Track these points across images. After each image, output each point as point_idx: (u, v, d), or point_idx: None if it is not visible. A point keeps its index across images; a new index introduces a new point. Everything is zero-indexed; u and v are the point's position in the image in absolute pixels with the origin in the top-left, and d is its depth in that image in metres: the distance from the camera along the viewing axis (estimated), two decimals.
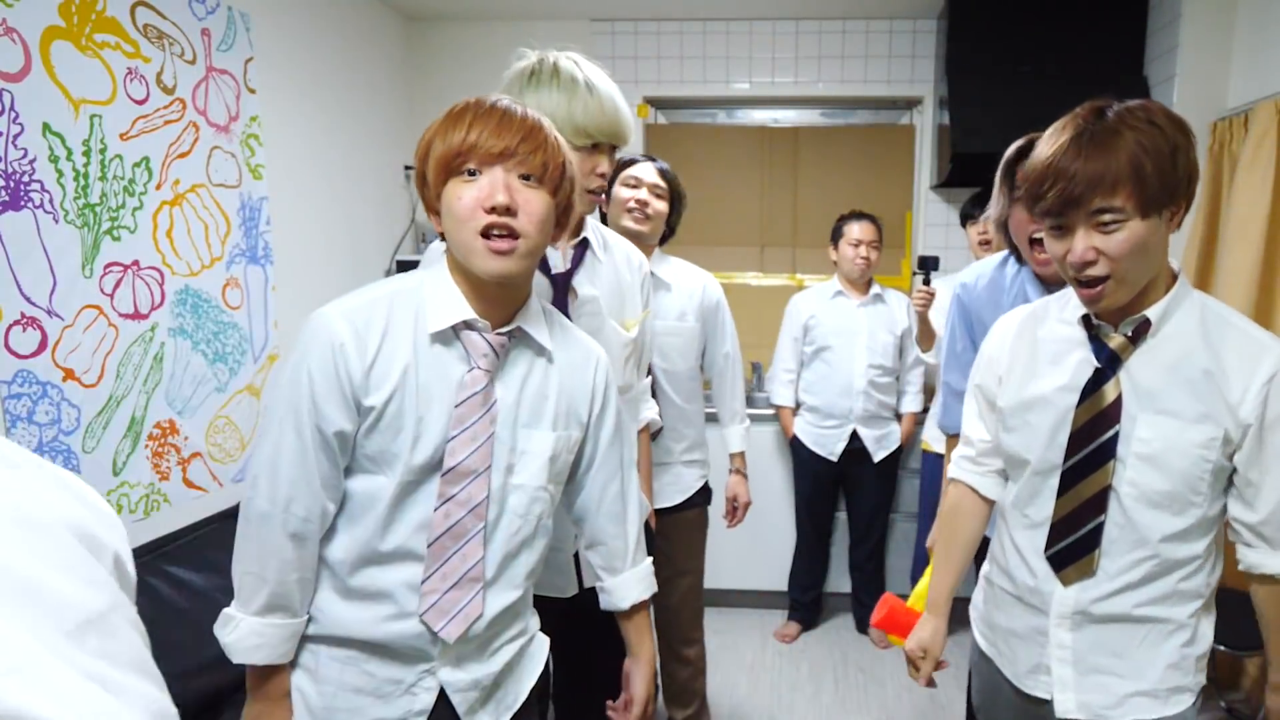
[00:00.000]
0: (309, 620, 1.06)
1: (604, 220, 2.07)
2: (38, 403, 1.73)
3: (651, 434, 1.93)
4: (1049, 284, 1.55)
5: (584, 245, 1.43)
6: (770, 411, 3.19)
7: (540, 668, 1.21)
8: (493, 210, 0.96)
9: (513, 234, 0.97)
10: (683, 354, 2.12)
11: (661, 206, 2.06)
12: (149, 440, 2.04)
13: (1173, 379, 1.09)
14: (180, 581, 1.94)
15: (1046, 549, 1.17)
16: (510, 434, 1.06)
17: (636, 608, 1.25)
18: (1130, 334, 1.11)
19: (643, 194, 2.03)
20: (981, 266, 1.74)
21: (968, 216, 2.79)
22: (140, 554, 1.95)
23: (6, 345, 1.66)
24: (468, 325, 1.03)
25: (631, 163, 2.08)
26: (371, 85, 3.19)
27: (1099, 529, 1.13)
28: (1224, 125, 2.71)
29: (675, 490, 2.12)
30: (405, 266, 3.09)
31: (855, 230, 2.89)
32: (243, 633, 1.02)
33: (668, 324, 2.08)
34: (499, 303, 1.04)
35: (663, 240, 2.16)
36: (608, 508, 1.21)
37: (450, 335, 1.03)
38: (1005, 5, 3.07)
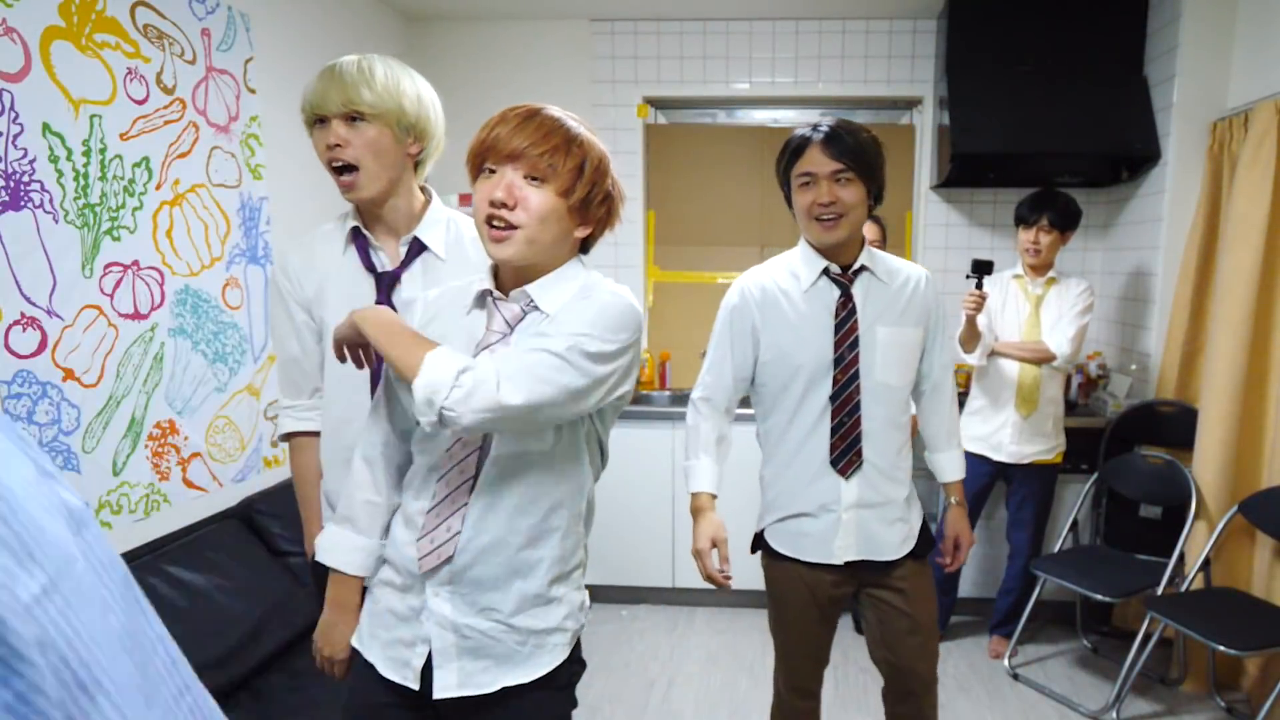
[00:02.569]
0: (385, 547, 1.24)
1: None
2: (38, 403, 1.73)
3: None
4: None
5: (418, 244, 1.44)
6: None
7: (536, 674, 1.17)
8: (491, 204, 1.09)
9: (510, 225, 1.10)
10: (900, 367, 1.68)
11: (852, 196, 1.56)
12: (149, 440, 2.04)
13: None
14: (180, 581, 1.93)
15: None
16: None
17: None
18: None
19: (822, 192, 1.56)
20: None
21: (1021, 220, 2.74)
22: (140, 554, 1.96)
23: (6, 345, 1.66)
24: (489, 294, 1.19)
25: (798, 152, 1.60)
26: None
27: None
28: (1224, 125, 2.71)
29: (905, 538, 1.72)
30: None
31: None
32: (324, 535, 1.26)
33: (887, 331, 1.65)
34: (508, 278, 1.20)
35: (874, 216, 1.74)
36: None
37: (483, 300, 1.21)
38: (1005, 5, 3.07)
